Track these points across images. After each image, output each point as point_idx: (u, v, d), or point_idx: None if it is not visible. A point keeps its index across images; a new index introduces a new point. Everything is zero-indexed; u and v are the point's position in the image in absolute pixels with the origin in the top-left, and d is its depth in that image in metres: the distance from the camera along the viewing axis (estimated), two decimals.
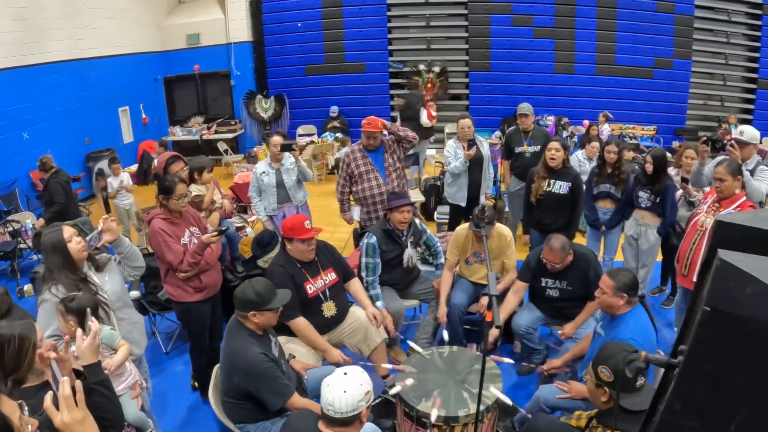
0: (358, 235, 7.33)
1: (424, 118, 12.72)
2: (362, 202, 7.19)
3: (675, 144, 14.67)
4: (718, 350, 1.19)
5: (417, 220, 6.35)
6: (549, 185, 6.83)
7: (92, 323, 2.94)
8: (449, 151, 7.96)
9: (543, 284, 5.72)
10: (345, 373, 3.22)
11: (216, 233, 5.15)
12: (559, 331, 5.58)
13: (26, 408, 2.30)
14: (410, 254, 6.08)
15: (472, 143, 7.63)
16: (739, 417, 1.17)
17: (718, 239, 1.26)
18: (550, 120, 15.02)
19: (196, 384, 5.97)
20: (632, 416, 3.08)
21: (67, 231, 4.17)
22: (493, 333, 5.71)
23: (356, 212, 7.33)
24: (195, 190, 6.53)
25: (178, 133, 16.52)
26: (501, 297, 5.93)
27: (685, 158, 7.01)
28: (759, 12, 15.07)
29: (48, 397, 2.18)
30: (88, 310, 3.71)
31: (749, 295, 1.08)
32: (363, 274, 5.86)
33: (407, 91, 16.26)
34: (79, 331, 2.87)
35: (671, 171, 7.13)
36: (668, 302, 7.37)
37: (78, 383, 2.21)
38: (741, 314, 1.10)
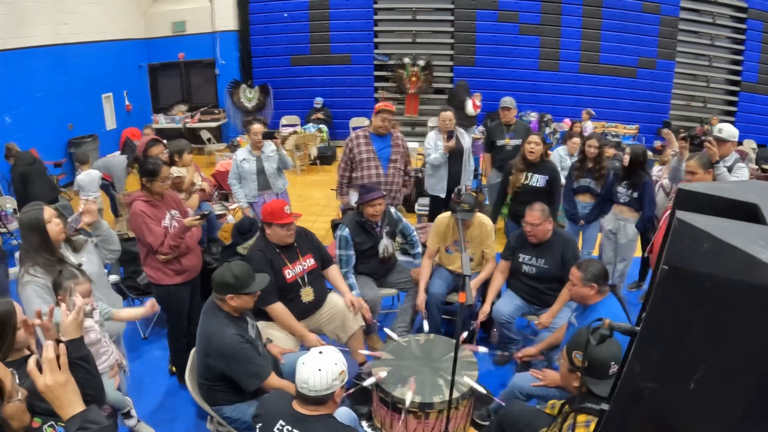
0: (335, 226, 7.33)
1: (469, 108, 13.07)
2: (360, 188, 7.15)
3: (657, 143, 14.75)
4: (676, 308, 1.22)
5: (392, 209, 6.34)
6: (527, 178, 6.90)
7: (76, 299, 2.95)
8: (429, 143, 7.94)
9: (521, 259, 5.80)
10: (320, 352, 3.24)
11: (198, 217, 5.15)
12: (536, 321, 5.62)
13: (17, 376, 2.31)
14: (386, 244, 6.07)
15: (451, 135, 7.63)
16: (698, 375, 1.18)
17: (679, 205, 1.29)
18: (533, 116, 15.06)
19: (174, 369, 5.97)
20: (601, 401, 3.12)
21: (47, 212, 4.18)
22: (485, 311, 5.78)
23: (354, 198, 7.33)
24: (175, 172, 6.53)
25: (161, 121, 16.40)
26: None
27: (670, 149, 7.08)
28: (743, 15, 15.17)
29: (32, 361, 2.20)
30: (73, 286, 3.72)
31: (705, 252, 1.10)
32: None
33: (393, 84, 16.32)
34: (63, 306, 2.87)
35: (655, 168, 7.18)
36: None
37: (62, 346, 2.23)
38: (697, 270, 1.12)
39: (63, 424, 2.25)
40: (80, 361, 2.86)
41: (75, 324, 2.86)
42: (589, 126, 13.20)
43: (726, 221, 1.18)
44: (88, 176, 8.81)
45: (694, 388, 1.20)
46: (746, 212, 1.22)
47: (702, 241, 1.12)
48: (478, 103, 13.21)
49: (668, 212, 5.79)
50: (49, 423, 2.47)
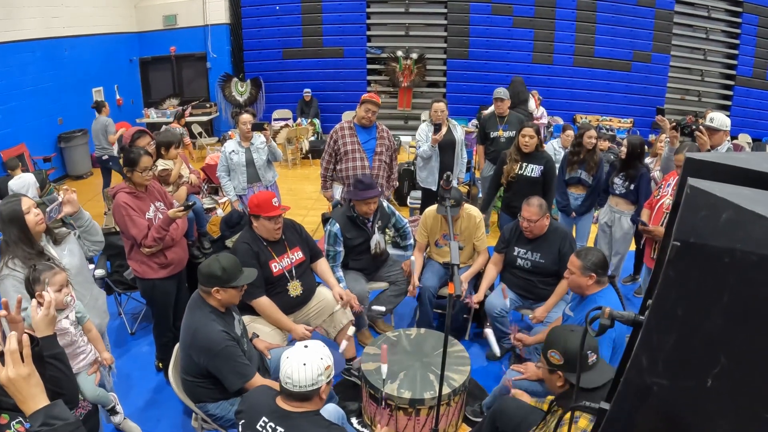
0: (326, 220, 7.23)
1: (532, 104, 12.86)
2: (344, 181, 7.03)
3: (651, 137, 14.72)
4: (690, 290, 1.06)
5: (385, 203, 6.24)
6: (521, 168, 6.81)
7: (46, 294, 2.84)
8: (420, 135, 7.85)
9: (515, 253, 5.70)
10: (306, 346, 3.12)
11: (182, 208, 5.03)
12: (530, 316, 5.52)
13: None
14: (377, 240, 5.95)
15: (438, 127, 7.51)
16: (716, 369, 1.04)
17: (689, 174, 1.15)
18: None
19: (160, 365, 5.87)
20: (588, 394, 3.03)
21: (26, 202, 4.08)
22: (477, 299, 5.71)
23: (338, 191, 7.20)
24: (162, 164, 6.42)
25: (152, 116, 16.27)
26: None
27: (659, 143, 7.03)
28: (739, 9, 15.14)
29: None
30: (46, 280, 3.62)
31: (724, 223, 0.96)
32: None
33: (386, 77, 16.28)
34: (34, 302, 2.76)
35: (647, 160, 7.11)
36: (641, 291, 7.32)
37: (25, 338, 2.14)
38: (715, 245, 0.98)
39: None
40: (53, 359, 2.77)
41: (46, 320, 2.77)
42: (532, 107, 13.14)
43: (746, 189, 1.04)
44: (20, 180, 8.60)
45: (711, 384, 1.05)
46: (764, 183, 1.09)
47: (720, 211, 0.97)
48: (538, 99, 13.16)
49: (663, 206, 5.72)
50: (17, 419, 2.38)
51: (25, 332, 2.39)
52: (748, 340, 1.00)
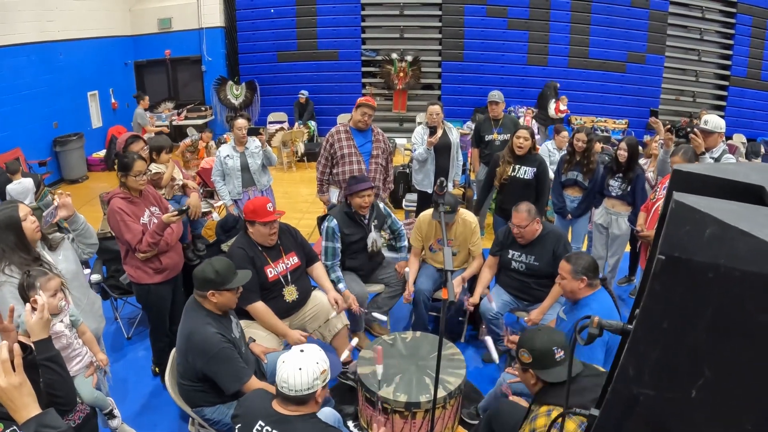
0: (322, 222, 7.22)
1: (552, 110, 12.89)
2: (341, 184, 6.96)
3: (646, 138, 14.70)
4: (675, 304, 1.08)
5: (381, 204, 6.25)
6: (514, 170, 6.81)
7: (39, 297, 2.84)
8: (416, 138, 7.86)
9: (510, 256, 5.71)
10: (301, 351, 3.14)
11: (176, 213, 5.03)
12: (525, 318, 5.52)
13: None
14: (374, 238, 5.97)
15: (433, 130, 7.52)
16: (700, 381, 1.06)
17: (676, 187, 1.16)
18: (522, 111, 15.01)
19: (157, 369, 5.87)
20: (559, 387, 3.20)
21: (23, 209, 4.08)
22: (473, 301, 5.72)
23: (334, 195, 7.20)
24: (154, 168, 6.42)
25: None
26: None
27: (654, 143, 7.05)
28: (733, 10, 15.16)
29: None
30: (38, 284, 3.61)
31: (708, 239, 0.97)
32: (323, 259, 5.76)
33: (381, 80, 16.24)
34: (28, 306, 2.76)
35: (641, 161, 7.13)
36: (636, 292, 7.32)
37: (16, 347, 2.14)
38: (699, 260, 0.99)
39: None
40: (48, 362, 2.77)
41: (41, 324, 2.76)
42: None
43: (732, 203, 1.05)
44: (20, 185, 8.51)
45: (696, 395, 1.06)
46: (751, 195, 1.10)
47: (704, 226, 0.98)
48: (563, 107, 13.09)
49: (659, 209, 5.73)
50: (11, 428, 2.37)
51: (18, 340, 2.40)
52: (730, 353, 1.01)
